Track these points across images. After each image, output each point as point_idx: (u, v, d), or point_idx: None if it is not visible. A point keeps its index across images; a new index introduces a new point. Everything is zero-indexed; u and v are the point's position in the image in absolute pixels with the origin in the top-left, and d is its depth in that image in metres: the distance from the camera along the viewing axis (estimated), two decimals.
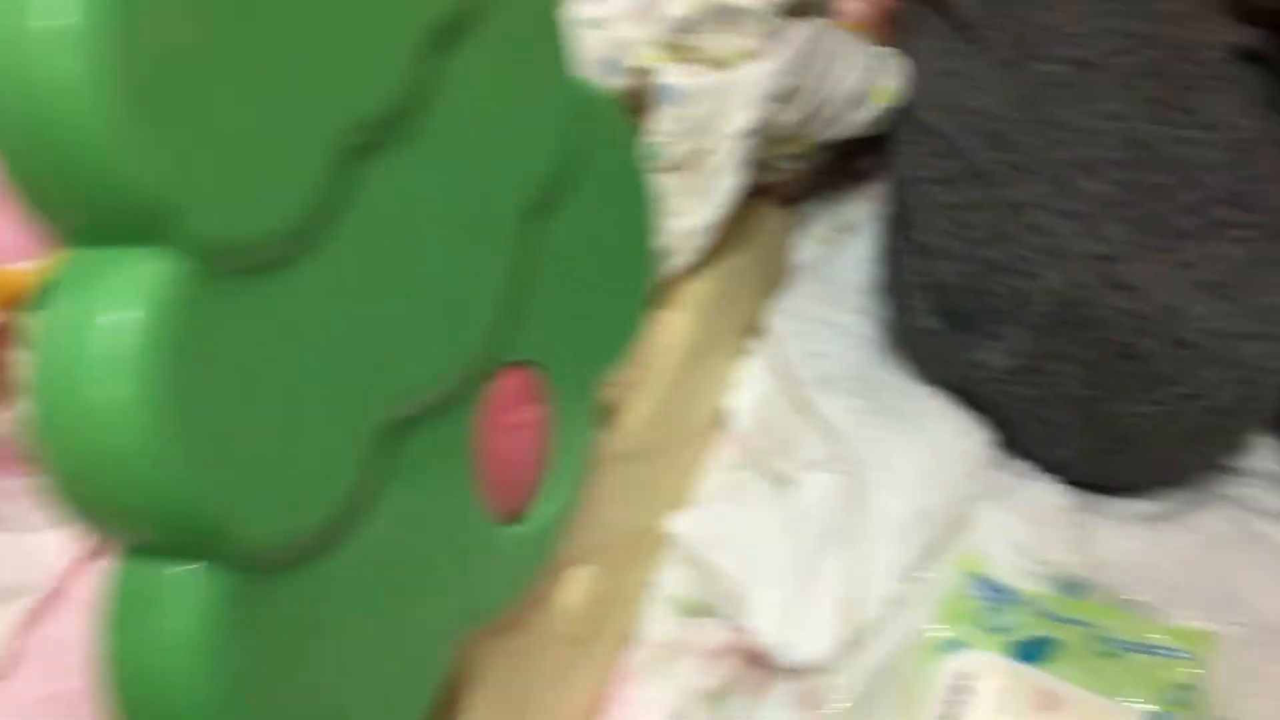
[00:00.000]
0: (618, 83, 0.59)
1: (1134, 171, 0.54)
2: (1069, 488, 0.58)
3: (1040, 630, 0.50)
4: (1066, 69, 0.57)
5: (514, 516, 0.43)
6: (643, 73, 0.59)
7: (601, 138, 0.47)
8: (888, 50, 0.71)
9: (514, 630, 0.46)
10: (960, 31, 0.64)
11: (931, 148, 0.63)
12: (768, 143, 0.64)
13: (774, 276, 0.71)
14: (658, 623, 0.54)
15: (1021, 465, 0.59)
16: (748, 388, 0.63)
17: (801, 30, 0.64)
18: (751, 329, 0.67)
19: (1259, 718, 0.50)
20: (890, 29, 0.72)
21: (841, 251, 0.72)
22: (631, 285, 0.51)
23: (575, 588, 0.49)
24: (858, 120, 0.69)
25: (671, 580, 0.56)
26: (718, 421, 0.63)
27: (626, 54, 0.59)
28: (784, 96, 0.63)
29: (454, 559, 0.40)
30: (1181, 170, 0.54)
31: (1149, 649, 0.49)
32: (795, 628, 0.50)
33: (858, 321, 0.66)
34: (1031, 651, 0.49)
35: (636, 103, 0.60)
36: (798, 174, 0.73)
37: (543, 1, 0.41)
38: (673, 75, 0.60)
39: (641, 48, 0.60)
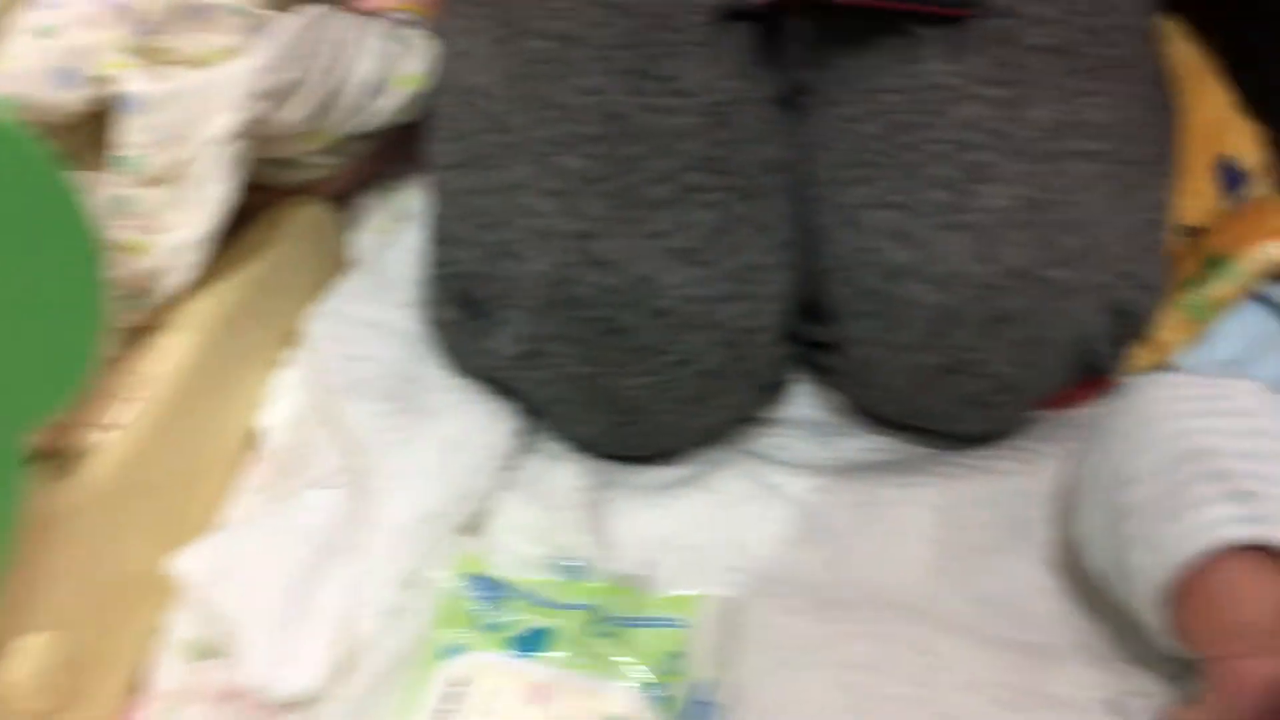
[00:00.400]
0: (68, 96, 0.54)
1: (610, 145, 0.54)
2: (593, 464, 0.58)
3: (538, 621, 0.49)
4: (550, 44, 0.56)
5: None
6: (102, 81, 0.55)
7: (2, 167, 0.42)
8: (415, 33, 0.69)
9: None
10: (470, 8, 0.62)
11: (445, 132, 0.62)
12: (271, 143, 0.61)
13: (321, 278, 0.68)
14: (165, 670, 0.51)
15: (550, 446, 0.59)
16: (280, 402, 0.61)
17: (292, 22, 0.61)
18: (292, 337, 0.64)
19: (763, 663, 0.51)
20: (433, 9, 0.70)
21: (395, 243, 0.70)
22: (69, 323, 0.47)
23: (22, 661, 0.45)
24: (383, 108, 0.66)
25: (183, 623, 0.52)
26: (252, 444, 0.60)
27: (82, 62, 0.55)
28: (279, 93, 0.60)
29: None
30: (655, 140, 0.54)
31: (645, 622, 0.50)
32: (285, 660, 0.48)
33: (404, 317, 0.64)
34: (528, 644, 0.49)
35: (95, 116, 0.55)
36: (338, 169, 0.70)
37: None
38: (136, 82, 0.55)
39: (105, 54, 0.56)
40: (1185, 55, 0.66)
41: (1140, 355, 0.60)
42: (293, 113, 0.61)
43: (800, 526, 0.56)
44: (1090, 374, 0.58)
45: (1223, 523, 0.44)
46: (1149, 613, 0.47)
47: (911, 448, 0.62)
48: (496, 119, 0.57)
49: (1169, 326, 0.59)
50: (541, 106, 0.55)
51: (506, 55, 0.58)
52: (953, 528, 0.57)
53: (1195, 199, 0.62)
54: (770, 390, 0.61)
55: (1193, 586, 0.45)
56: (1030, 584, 0.55)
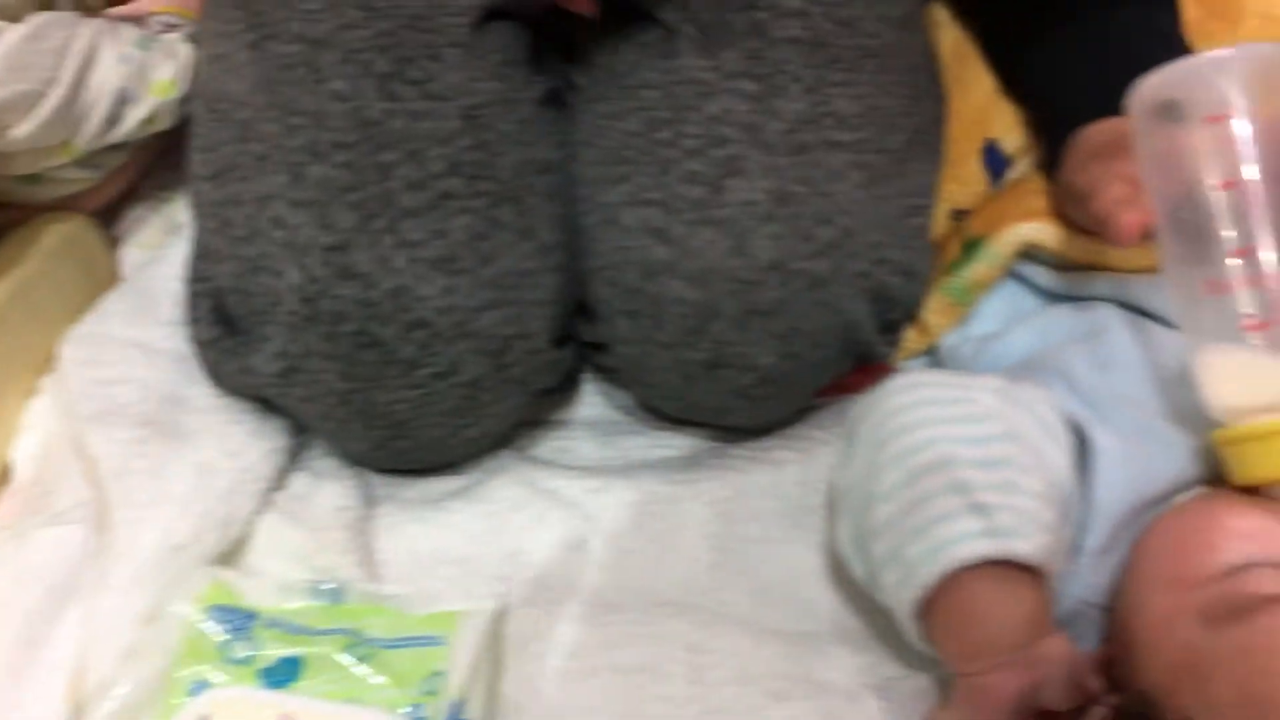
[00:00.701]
0: None
1: (360, 153, 0.52)
2: (363, 480, 0.57)
3: (289, 650, 0.48)
4: (301, 48, 0.54)
5: None
6: None
7: None
8: (177, 38, 0.66)
9: None
10: (224, 11, 0.59)
11: (199, 141, 0.59)
12: (8, 159, 0.58)
13: (87, 296, 0.64)
14: None
15: (325, 465, 0.57)
16: (30, 433, 0.57)
17: (11, 33, 0.57)
18: (51, 362, 0.61)
19: (534, 671, 0.50)
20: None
21: (164, 258, 0.67)
22: None
23: None
24: (137, 118, 0.63)
25: None
26: (3, 477, 0.57)
27: None
28: (7, 107, 0.56)
29: None
30: (407, 146, 0.52)
31: (405, 642, 0.48)
32: (14, 712, 0.46)
33: (168, 336, 0.61)
34: (278, 675, 0.47)
35: None
36: (96, 182, 0.67)
37: None
38: None
39: None
40: (952, 42, 0.67)
41: (910, 339, 0.61)
42: (26, 127, 0.58)
43: (576, 531, 0.56)
44: (861, 361, 0.59)
45: (961, 539, 0.44)
46: (905, 626, 0.48)
47: (695, 443, 0.62)
48: (248, 127, 0.54)
49: (934, 310, 0.60)
50: (291, 114, 0.53)
51: (258, 61, 0.55)
52: (731, 521, 0.57)
53: (963, 184, 0.63)
54: (551, 394, 0.60)
55: (938, 605, 0.46)
56: (809, 571, 0.56)
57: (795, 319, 0.54)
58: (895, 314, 0.58)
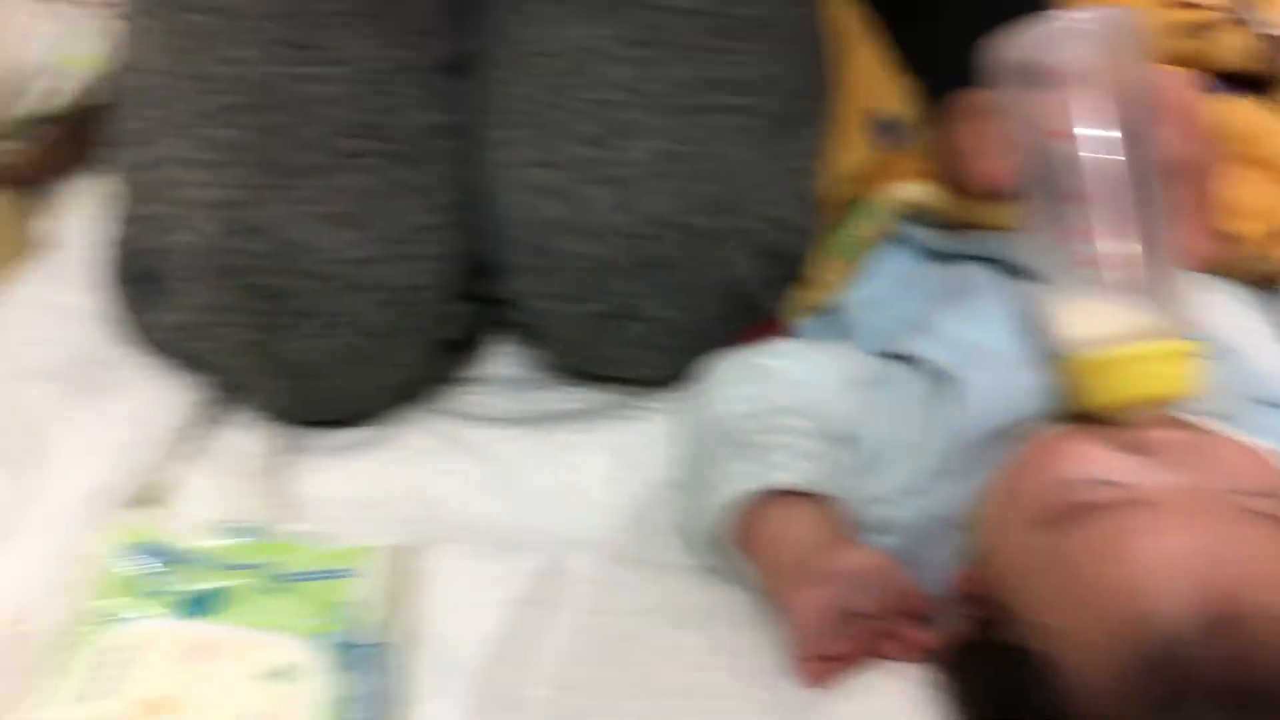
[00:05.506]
0: None
1: (258, 115, 0.55)
2: (280, 431, 0.59)
3: (208, 583, 0.50)
4: (207, 18, 0.57)
5: None
6: None
7: None
8: (99, 12, 0.68)
9: None
10: None
11: (118, 110, 0.61)
12: None
13: (5, 264, 0.66)
14: None
15: (243, 419, 0.60)
16: None
17: None
18: None
19: (442, 607, 0.53)
20: None
21: (93, 227, 0.69)
22: None
23: None
24: (60, 90, 0.66)
25: None
26: None
27: None
28: None
29: None
30: (305, 108, 0.55)
31: (316, 575, 0.51)
32: None
33: (92, 299, 0.64)
34: (197, 606, 0.50)
35: None
36: (20, 154, 0.69)
37: None
38: None
39: None
40: (841, 17, 0.71)
41: (802, 296, 0.65)
42: None
43: (482, 475, 0.59)
44: (752, 316, 0.62)
45: (728, 479, 0.50)
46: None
47: (601, 397, 0.65)
48: (154, 94, 0.57)
49: (826, 268, 0.64)
50: (195, 79, 0.56)
51: (167, 31, 0.58)
52: (629, 468, 0.60)
53: (848, 150, 0.67)
54: (459, 350, 0.63)
55: (739, 540, 0.51)
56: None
57: (686, 273, 0.57)
58: (781, 270, 0.62)
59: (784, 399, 0.52)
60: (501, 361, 0.67)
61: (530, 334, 0.63)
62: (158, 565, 0.51)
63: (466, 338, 0.63)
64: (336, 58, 0.56)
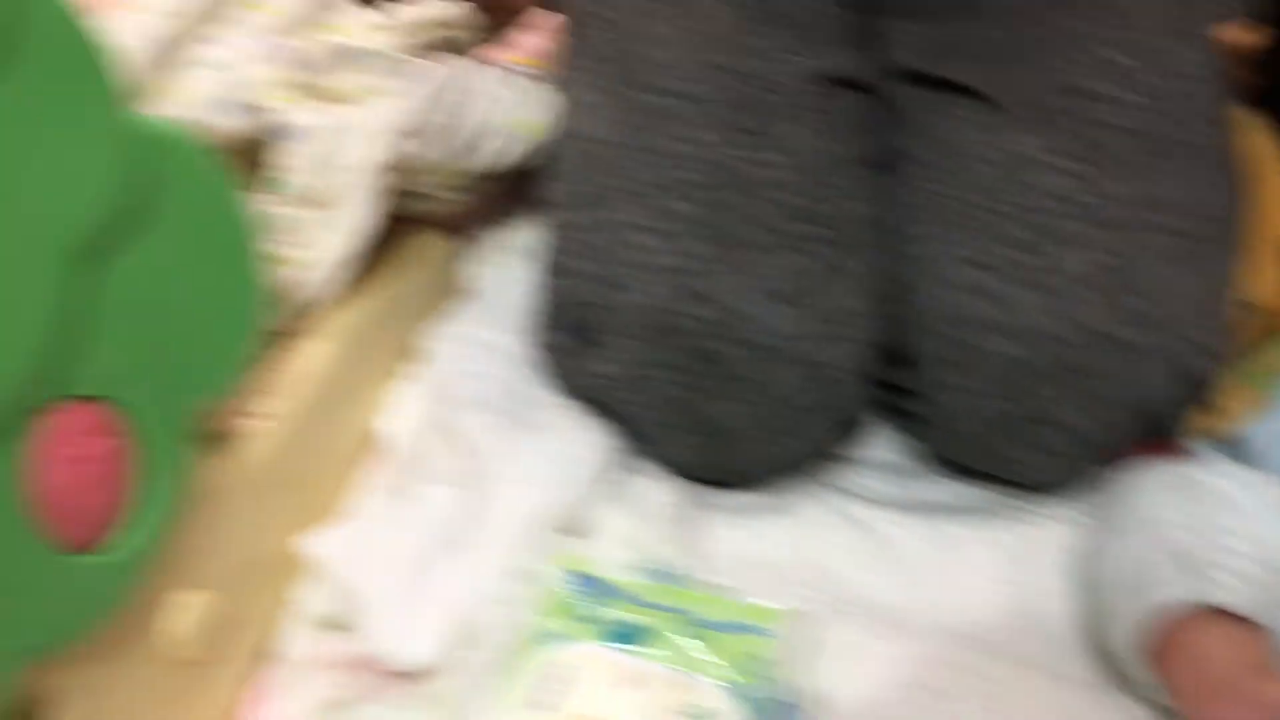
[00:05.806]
0: (234, 122, 0.61)
1: (711, 192, 0.59)
2: (685, 485, 0.63)
3: (634, 618, 0.54)
4: (665, 100, 0.62)
5: (87, 546, 0.44)
6: (264, 111, 0.62)
7: (179, 178, 0.48)
8: (540, 84, 0.75)
9: (105, 657, 0.47)
10: (588, 64, 0.68)
11: (565, 174, 0.68)
12: (406, 175, 0.68)
13: (435, 302, 0.74)
14: (297, 639, 0.56)
15: (647, 466, 0.64)
16: (401, 410, 0.66)
17: (438, 70, 0.68)
18: (409, 352, 0.70)
19: (840, 677, 0.55)
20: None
21: (507, 274, 0.76)
22: (231, 320, 0.52)
23: (185, 613, 0.50)
24: (508, 152, 0.73)
25: (312, 598, 0.58)
26: (368, 443, 0.65)
27: (248, 94, 0.61)
28: (422, 132, 0.66)
29: (6, 587, 0.41)
30: (753, 189, 0.59)
31: (732, 627, 0.54)
32: (406, 634, 0.53)
33: (515, 341, 0.70)
34: (624, 637, 0.53)
35: (256, 141, 0.62)
36: (463, 204, 0.76)
37: (78, 43, 0.42)
38: (299, 114, 0.62)
39: (270, 87, 0.62)
40: (1258, 145, 0.70)
41: (1201, 419, 0.64)
42: (431, 150, 0.68)
43: (875, 554, 0.61)
44: (1154, 434, 0.62)
45: (1161, 585, 0.51)
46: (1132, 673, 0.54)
47: (983, 494, 0.65)
48: (612, 164, 0.63)
49: (1230, 394, 0.63)
50: (649, 152, 0.61)
51: (625, 109, 0.64)
52: (1024, 571, 0.60)
53: (1258, 276, 0.66)
54: (847, 428, 0.66)
55: (1159, 651, 0.51)
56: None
57: (1104, 384, 0.58)
58: (1189, 392, 0.61)
59: (1226, 519, 0.52)
60: (876, 445, 0.69)
61: (920, 423, 0.65)
62: (591, 593, 0.55)
63: (855, 417, 0.65)
64: (783, 146, 0.61)
